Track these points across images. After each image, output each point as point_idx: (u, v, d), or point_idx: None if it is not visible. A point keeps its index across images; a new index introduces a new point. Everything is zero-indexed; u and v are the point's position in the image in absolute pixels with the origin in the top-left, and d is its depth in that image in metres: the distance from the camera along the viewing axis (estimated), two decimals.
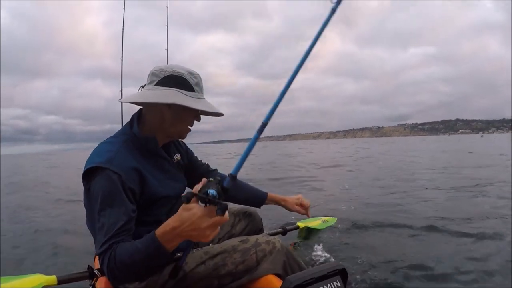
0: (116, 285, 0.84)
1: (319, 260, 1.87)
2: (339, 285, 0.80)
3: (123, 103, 1.18)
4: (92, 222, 0.97)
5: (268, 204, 1.45)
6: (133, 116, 1.10)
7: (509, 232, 2.20)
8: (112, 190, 0.91)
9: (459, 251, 1.94)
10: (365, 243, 2.18)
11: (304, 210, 1.51)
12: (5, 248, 2.39)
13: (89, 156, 0.99)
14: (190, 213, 0.70)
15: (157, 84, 1.02)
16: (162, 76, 1.02)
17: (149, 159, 1.06)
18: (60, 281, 1.00)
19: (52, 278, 0.99)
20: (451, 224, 2.50)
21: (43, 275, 0.99)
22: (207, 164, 1.38)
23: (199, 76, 1.06)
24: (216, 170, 1.39)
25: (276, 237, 1.11)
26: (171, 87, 1.00)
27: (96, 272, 1.03)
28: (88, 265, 1.05)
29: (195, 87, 1.03)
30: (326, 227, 2.26)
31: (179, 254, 1.09)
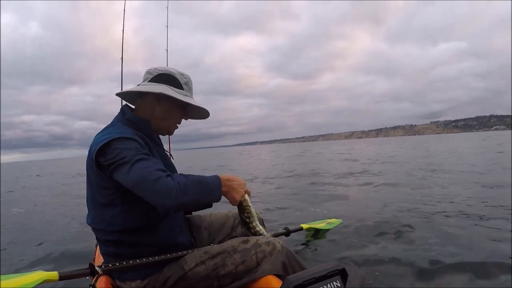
0: (166, 206, 0.90)
1: (320, 260, 1.86)
2: (339, 285, 0.80)
3: (121, 101, 1.27)
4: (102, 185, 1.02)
5: None
6: (122, 107, 1.18)
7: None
8: (134, 144, 0.98)
9: (459, 251, 1.90)
10: (367, 243, 2.14)
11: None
12: None
13: (92, 142, 1.03)
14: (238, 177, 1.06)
15: (150, 81, 1.14)
16: (155, 74, 1.15)
17: (144, 141, 1.10)
18: (61, 277, 1.00)
19: (53, 274, 0.99)
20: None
21: (44, 271, 1.00)
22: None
23: (189, 78, 1.18)
24: None
25: (277, 238, 1.11)
26: (163, 83, 1.12)
27: (97, 269, 1.03)
28: (90, 263, 1.06)
29: (184, 86, 1.15)
30: (330, 228, 2.26)
31: (180, 253, 1.10)
